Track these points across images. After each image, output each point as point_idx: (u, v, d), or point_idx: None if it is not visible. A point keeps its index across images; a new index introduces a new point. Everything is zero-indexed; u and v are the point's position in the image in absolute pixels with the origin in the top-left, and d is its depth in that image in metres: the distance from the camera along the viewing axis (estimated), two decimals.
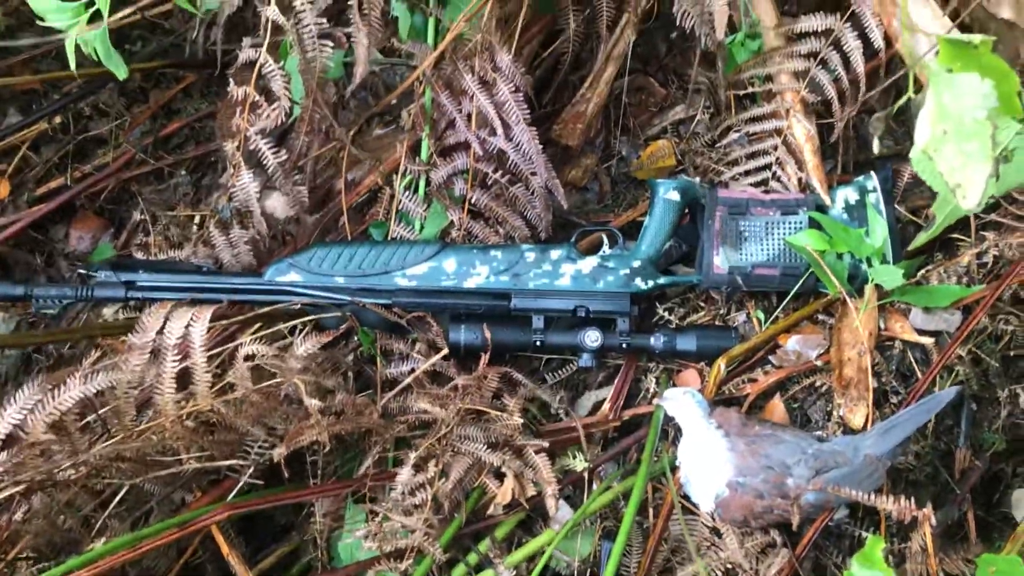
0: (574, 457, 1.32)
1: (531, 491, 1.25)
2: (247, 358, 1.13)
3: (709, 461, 1.23)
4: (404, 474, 1.20)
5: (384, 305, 1.32)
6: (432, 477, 1.20)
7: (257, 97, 1.27)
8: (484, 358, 1.31)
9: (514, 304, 1.34)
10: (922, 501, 1.29)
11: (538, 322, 1.35)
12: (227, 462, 1.21)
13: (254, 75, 1.26)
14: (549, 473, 1.24)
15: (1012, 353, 1.35)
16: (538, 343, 1.34)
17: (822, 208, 1.38)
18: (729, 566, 1.26)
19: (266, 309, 1.31)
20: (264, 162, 1.32)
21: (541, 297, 1.35)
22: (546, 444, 1.27)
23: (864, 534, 1.27)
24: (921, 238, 1.30)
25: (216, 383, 1.19)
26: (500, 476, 1.25)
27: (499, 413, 1.26)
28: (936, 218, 1.23)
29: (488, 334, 1.33)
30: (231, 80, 1.29)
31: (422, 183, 1.42)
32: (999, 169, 0.91)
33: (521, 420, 1.25)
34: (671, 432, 1.34)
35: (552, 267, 1.35)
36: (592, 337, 1.34)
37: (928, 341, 1.32)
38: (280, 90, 1.25)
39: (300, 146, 1.33)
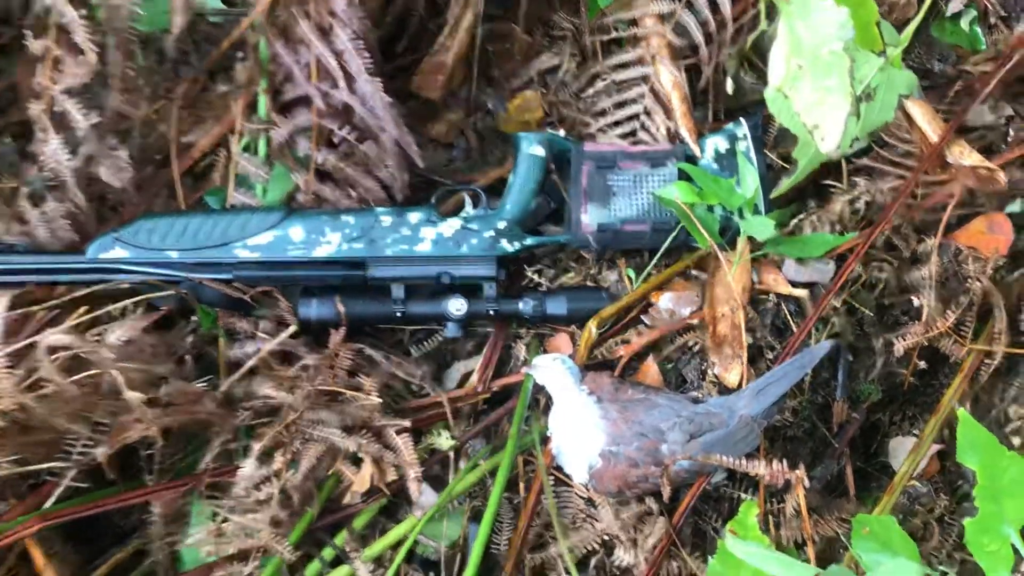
0: (439, 435, 1.23)
1: (392, 475, 1.15)
2: (55, 349, 0.99)
3: (581, 430, 1.17)
4: (247, 467, 1.09)
5: (224, 280, 1.21)
6: (280, 468, 1.09)
7: (59, 51, 1.11)
8: (336, 334, 1.21)
9: (370, 273, 1.25)
10: (801, 458, 1.28)
11: (398, 292, 1.25)
12: (44, 465, 1.07)
13: (54, 25, 1.10)
14: (411, 455, 1.15)
15: (887, 301, 1.33)
16: (399, 314, 1.25)
17: (692, 159, 1.31)
18: (606, 537, 1.20)
19: (87, 290, 1.17)
20: (75, 126, 1.16)
21: (400, 264, 1.25)
22: (407, 423, 1.17)
23: (743, 496, 1.23)
24: (784, 185, 1.24)
25: (28, 376, 1.05)
26: (357, 462, 1.15)
27: (355, 393, 1.16)
28: (799, 163, 1.17)
29: (342, 307, 1.23)
30: (26, 32, 1.12)
31: (262, 144, 1.29)
32: (860, 108, 0.85)
33: (379, 400, 1.15)
34: (543, 400, 1.27)
35: (411, 231, 1.26)
36: (457, 305, 1.26)
37: (802, 293, 1.27)
38: (84, 42, 1.09)
39: (114, 105, 1.18)
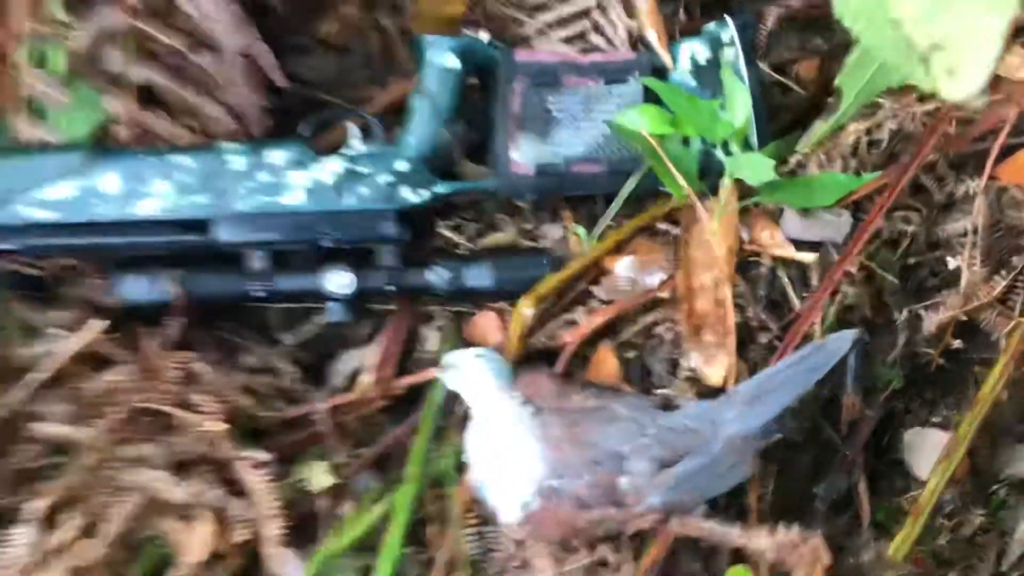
0: (314, 466, 0.91)
1: (243, 534, 0.83)
2: None
3: (512, 455, 0.87)
4: (21, 539, 0.76)
5: (7, 251, 0.89)
6: (74, 537, 0.76)
7: None
8: (164, 326, 0.88)
9: (217, 236, 0.93)
10: (801, 470, 1.01)
11: (259, 262, 0.94)
12: None
13: None
14: (269, 503, 0.83)
15: (912, 261, 1.04)
16: (259, 293, 0.94)
17: (661, 72, 1.00)
18: None
19: None
20: None
21: (259, 224, 0.93)
22: (266, 456, 0.85)
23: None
24: (819, 130, 0.91)
25: None
26: (190, 518, 0.83)
27: (189, 414, 0.83)
28: (843, 97, 0.83)
29: (176, 287, 0.91)
30: None
31: (58, 53, 0.93)
32: None
33: (224, 425, 0.82)
34: (462, 409, 0.96)
35: (274, 177, 0.93)
36: (340, 280, 0.94)
37: (808, 257, 0.97)
38: None
39: None
